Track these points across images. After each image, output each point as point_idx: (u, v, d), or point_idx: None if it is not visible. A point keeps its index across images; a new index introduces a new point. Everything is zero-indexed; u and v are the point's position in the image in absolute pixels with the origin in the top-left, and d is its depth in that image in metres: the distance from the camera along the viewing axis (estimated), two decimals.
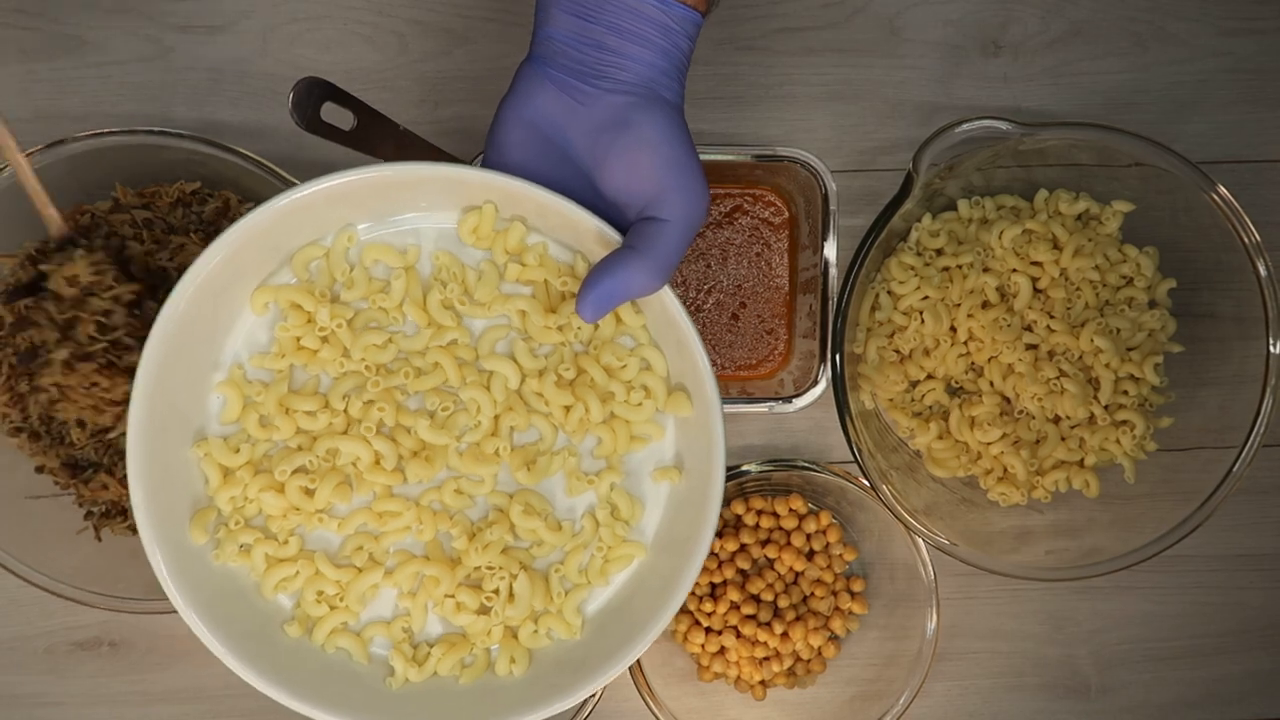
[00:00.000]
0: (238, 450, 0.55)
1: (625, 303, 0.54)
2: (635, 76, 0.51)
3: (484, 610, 0.57)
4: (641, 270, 0.51)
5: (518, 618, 0.57)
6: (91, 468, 0.65)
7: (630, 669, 0.69)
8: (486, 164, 0.55)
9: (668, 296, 0.53)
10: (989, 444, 0.69)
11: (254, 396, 0.56)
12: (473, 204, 0.56)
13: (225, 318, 0.55)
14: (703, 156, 0.68)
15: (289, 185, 0.64)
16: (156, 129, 0.63)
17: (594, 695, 0.67)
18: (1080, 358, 0.68)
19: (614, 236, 0.53)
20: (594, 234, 0.53)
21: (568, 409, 0.57)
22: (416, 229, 0.57)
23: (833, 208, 0.68)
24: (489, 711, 0.56)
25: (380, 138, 0.60)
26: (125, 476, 0.64)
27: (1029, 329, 0.68)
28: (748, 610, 0.71)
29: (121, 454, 0.65)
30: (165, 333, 0.52)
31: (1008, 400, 0.69)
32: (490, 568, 0.56)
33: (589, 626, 0.58)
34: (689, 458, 0.57)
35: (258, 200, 0.67)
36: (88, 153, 0.63)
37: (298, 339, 0.56)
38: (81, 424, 0.64)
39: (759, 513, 0.73)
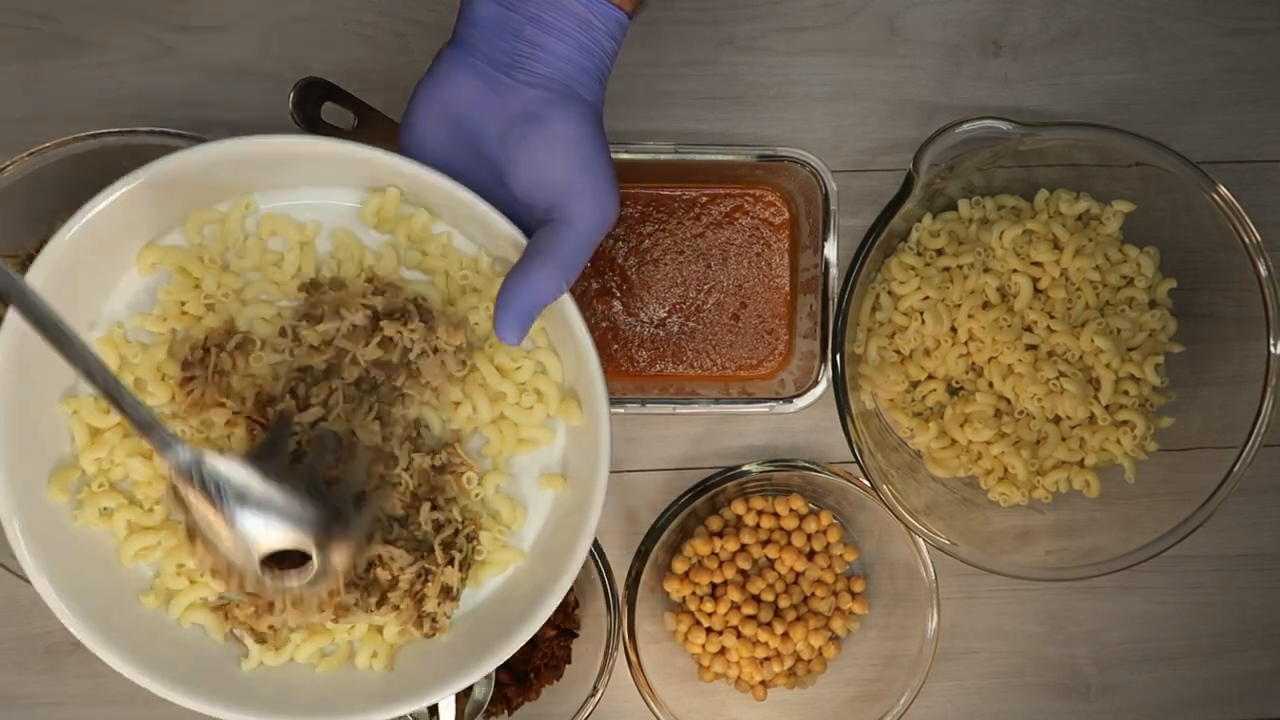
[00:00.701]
0: (109, 411, 0.53)
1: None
2: (553, 71, 0.50)
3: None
4: (547, 277, 0.50)
5: (384, 615, 0.56)
6: None
7: (630, 669, 0.69)
8: (401, 145, 0.53)
9: (566, 302, 0.53)
10: (988, 443, 0.69)
11: (131, 358, 0.54)
12: (379, 186, 0.54)
13: (109, 273, 0.53)
14: (703, 156, 0.68)
15: None
16: (157, 129, 0.63)
17: (594, 695, 0.67)
18: (1080, 358, 0.68)
19: (518, 237, 0.52)
20: (499, 232, 0.52)
21: (456, 405, 0.56)
22: (319, 205, 0.55)
23: (833, 208, 0.68)
24: (344, 703, 0.54)
25: (380, 137, 0.60)
26: None
27: (1029, 329, 0.68)
28: (748, 610, 0.71)
29: None
30: (42, 279, 0.49)
31: (1008, 401, 0.69)
32: None
33: (457, 628, 0.57)
34: (576, 467, 0.56)
35: None
36: (88, 153, 0.63)
37: (182, 304, 0.54)
38: None
39: (759, 513, 0.73)
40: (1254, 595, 0.75)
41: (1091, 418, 0.69)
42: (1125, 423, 0.69)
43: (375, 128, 0.60)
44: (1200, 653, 0.76)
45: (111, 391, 0.45)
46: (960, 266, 0.69)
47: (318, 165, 0.53)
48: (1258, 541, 0.75)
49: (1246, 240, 0.65)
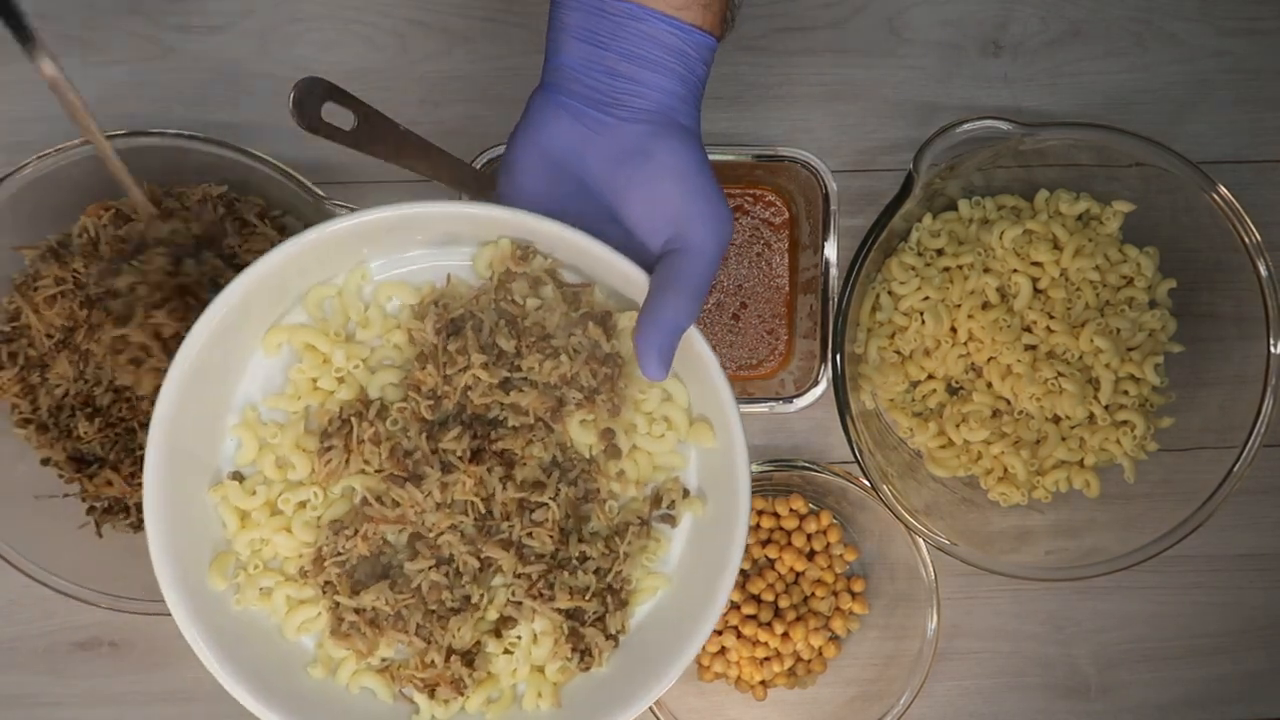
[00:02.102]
0: (254, 493, 0.55)
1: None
2: (652, 104, 0.51)
3: (508, 651, 0.56)
4: (681, 307, 0.50)
5: (543, 657, 0.56)
6: (97, 462, 0.65)
7: None
8: (501, 193, 0.54)
9: (691, 329, 0.53)
10: (987, 443, 0.69)
11: (269, 438, 0.55)
12: (489, 238, 0.55)
13: (237, 360, 0.55)
14: None
15: (308, 191, 0.64)
16: (186, 132, 0.63)
17: None
18: (1080, 358, 0.68)
19: (639, 275, 0.52)
20: (620, 271, 0.52)
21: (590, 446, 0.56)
22: (432, 265, 0.56)
23: (833, 208, 0.68)
24: None
25: (380, 138, 0.60)
26: (131, 473, 0.65)
27: (1028, 330, 0.68)
28: (748, 610, 0.71)
29: (128, 449, 0.65)
30: (181, 378, 0.51)
31: (1007, 401, 0.69)
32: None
33: (615, 657, 0.57)
34: (712, 487, 0.57)
35: (284, 208, 0.67)
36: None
37: (314, 380, 0.55)
38: (90, 417, 0.64)
39: (760, 513, 0.73)
40: (1254, 595, 0.75)
41: (1091, 418, 0.69)
42: (1125, 423, 0.69)
43: (375, 128, 0.60)
44: (1200, 653, 0.76)
45: None
46: (960, 267, 0.69)
47: (429, 226, 0.54)
48: (1258, 541, 0.75)
49: (1246, 240, 0.65)
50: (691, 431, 0.57)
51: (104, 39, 0.70)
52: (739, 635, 0.71)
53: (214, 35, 0.70)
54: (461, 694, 0.56)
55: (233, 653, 0.53)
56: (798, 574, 0.73)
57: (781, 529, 0.73)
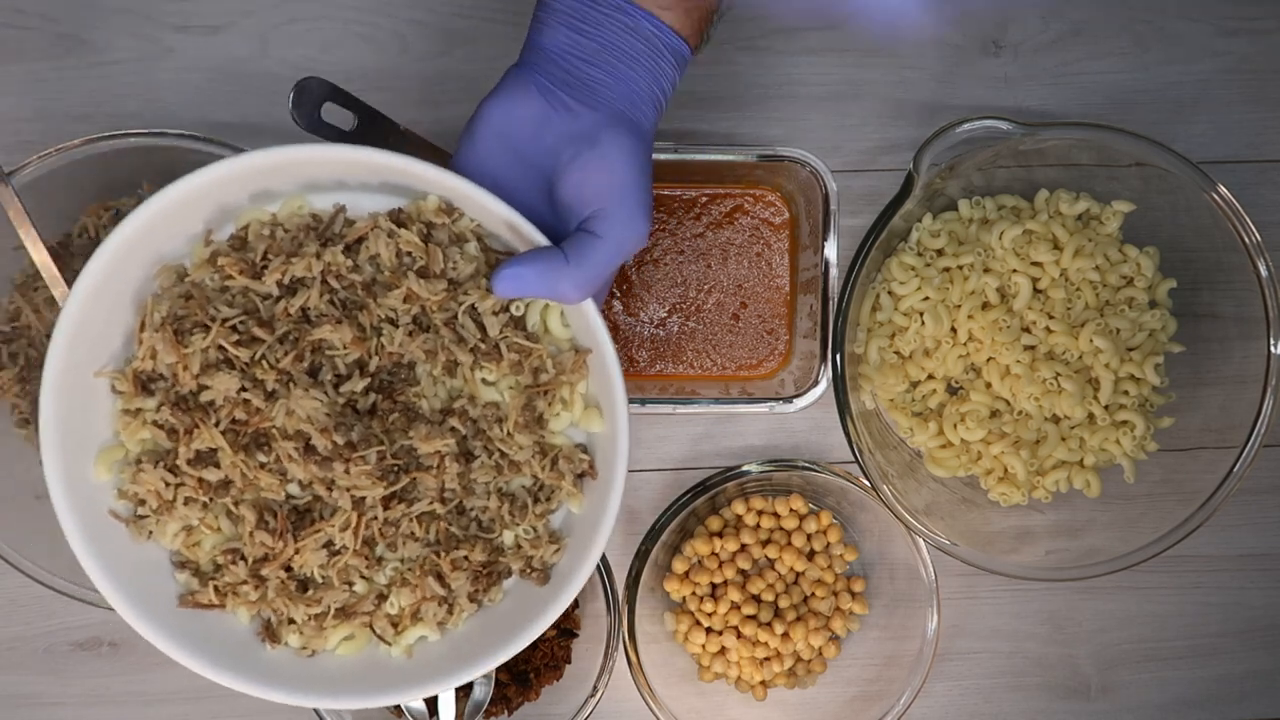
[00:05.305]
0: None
1: (544, 301, 0.55)
2: (616, 96, 0.53)
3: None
4: (566, 276, 0.52)
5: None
6: None
7: (630, 669, 0.68)
8: (456, 157, 0.55)
9: (591, 312, 0.54)
10: (986, 443, 0.69)
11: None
12: (417, 195, 0.55)
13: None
14: (703, 156, 0.68)
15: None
16: (186, 132, 0.64)
17: (594, 695, 0.68)
18: (1080, 358, 0.68)
19: (542, 240, 0.53)
20: (531, 240, 0.53)
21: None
22: (355, 206, 0.56)
23: (833, 208, 0.68)
24: (366, 685, 0.56)
25: (380, 138, 0.60)
26: None
27: (1028, 330, 0.68)
28: (748, 610, 0.71)
29: None
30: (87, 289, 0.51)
31: (1007, 401, 0.69)
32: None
33: (471, 621, 0.58)
34: (588, 481, 0.57)
35: None
36: (111, 152, 0.63)
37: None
38: None
39: (759, 513, 0.73)
40: (1254, 595, 0.75)
41: (1091, 418, 0.69)
42: (1125, 423, 0.69)
43: (375, 128, 0.60)
44: (1200, 653, 0.76)
45: None
46: (960, 267, 0.69)
47: (374, 173, 0.54)
48: (1258, 541, 0.75)
49: (1246, 240, 0.65)
50: (584, 416, 0.57)
51: (104, 39, 0.70)
52: (739, 635, 0.71)
53: (214, 35, 0.70)
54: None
55: (104, 548, 0.53)
56: (798, 574, 0.73)
57: (781, 529, 0.73)
